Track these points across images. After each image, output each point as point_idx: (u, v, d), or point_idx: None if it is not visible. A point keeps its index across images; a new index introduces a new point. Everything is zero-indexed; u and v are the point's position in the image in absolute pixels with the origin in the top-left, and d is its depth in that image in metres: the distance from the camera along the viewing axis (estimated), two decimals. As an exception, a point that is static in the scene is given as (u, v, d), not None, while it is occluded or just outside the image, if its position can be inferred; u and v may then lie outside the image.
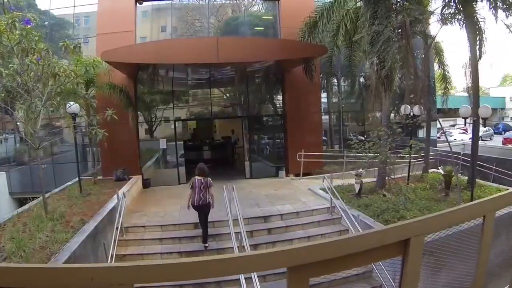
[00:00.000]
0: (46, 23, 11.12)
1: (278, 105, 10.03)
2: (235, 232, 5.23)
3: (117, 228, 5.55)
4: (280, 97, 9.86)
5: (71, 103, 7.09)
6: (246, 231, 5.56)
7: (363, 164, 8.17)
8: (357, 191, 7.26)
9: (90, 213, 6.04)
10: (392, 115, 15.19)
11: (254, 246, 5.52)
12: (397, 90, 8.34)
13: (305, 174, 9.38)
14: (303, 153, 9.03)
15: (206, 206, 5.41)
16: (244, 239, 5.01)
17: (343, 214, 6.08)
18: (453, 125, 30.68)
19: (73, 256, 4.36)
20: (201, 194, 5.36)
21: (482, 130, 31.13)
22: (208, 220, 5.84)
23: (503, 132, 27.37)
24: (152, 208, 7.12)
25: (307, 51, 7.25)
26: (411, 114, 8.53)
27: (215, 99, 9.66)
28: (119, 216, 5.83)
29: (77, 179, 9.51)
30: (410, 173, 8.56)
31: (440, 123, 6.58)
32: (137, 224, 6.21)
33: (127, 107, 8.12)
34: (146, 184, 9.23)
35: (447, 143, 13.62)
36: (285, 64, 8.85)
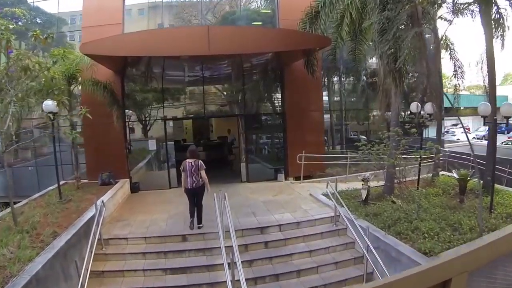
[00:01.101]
0: (39, 20, 10.65)
1: (277, 103, 9.34)
2: (226, 246, 4.56)
3: (95, 240, 4.89)
4: (279, 94, 9.16)
5: (50, 101, 6.41)
6: (241, 245, 4.90)
7: (372, 167, 7.50)
8: (363, 197, 6.59)
9: (66, 223, 5.37)
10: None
11: (249, 262, 4.86)
12: (404, 87, 7.66)
13: (305, 177, 8.72)
14: (303, 154, 8.35)
15: (200, 188, 5.40)
16: (236, 255, 4.34)
17: (349, 224, 5.42)
18: (455, 124, 30.01)
19: (34, 280, 3.70)
20: (193, 177, 5.33)
21: (485, 129, 30.59)
22: (198, 232, 5.20)
23: (505, 132, 26.72)
24: (137, 216, 6.46)
25: (308, 42, 6.56)
26: (420, 112, 7.89)
27: (209, 96, 8.97)
28: (98, 227, 5.17)
29: (62, 182, 8.93)
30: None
31: (460, 121, 5.86)
32: (118, 236, 5.54)
33: (111, 105, 7.43)
34: (134, 188, 8.55)
35: (461, 144, 12.84)
36: (284, 58, 8.16)
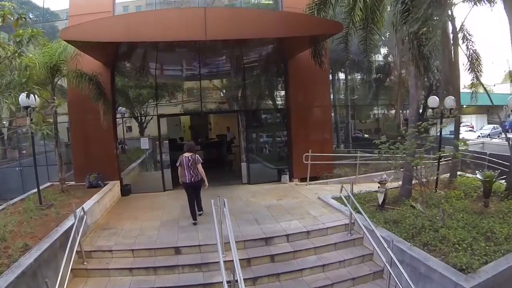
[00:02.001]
0: (31, 15, 10.06)
1: (280, 98, 8.60)
2: (226, 261, 3.84)
3: (72, 254, 4.17)
4: (282, 89, 8.40)
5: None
6: (243, 259, 4.20)
7: (383, 167, 6.80)
8: (380, 201, 5.89)
9: (42, 233, 4.65)
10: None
11: (252, 280, 4.15)
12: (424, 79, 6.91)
13: (312, 179, 8.01)
14: (310, 154, 7.64)
15: (198, 183, 5.41)
16: (237, 272, 3.63)
17: (367, 233, 4.70)
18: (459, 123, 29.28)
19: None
20: (191, 171, 5.34)
21: (490, 127, 29.86)
22: (193, 244, 4.50)
23: (509, 130, 26.14)
24: (126, 223, 5.74)
25: (317, 27, 5.83)
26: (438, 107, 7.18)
27: (206, 91, 8.24)
28: (77, 239, 4.45)
29: (48, 184, 8.20)
30: (426, 178, 7.18)
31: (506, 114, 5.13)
32: (102, 248, 4.82)
33: (97, 98, 6.69)
34: (125, 191, 7.82)
35: (470, 142, 12.11)
36: (289, 48, 7.43)
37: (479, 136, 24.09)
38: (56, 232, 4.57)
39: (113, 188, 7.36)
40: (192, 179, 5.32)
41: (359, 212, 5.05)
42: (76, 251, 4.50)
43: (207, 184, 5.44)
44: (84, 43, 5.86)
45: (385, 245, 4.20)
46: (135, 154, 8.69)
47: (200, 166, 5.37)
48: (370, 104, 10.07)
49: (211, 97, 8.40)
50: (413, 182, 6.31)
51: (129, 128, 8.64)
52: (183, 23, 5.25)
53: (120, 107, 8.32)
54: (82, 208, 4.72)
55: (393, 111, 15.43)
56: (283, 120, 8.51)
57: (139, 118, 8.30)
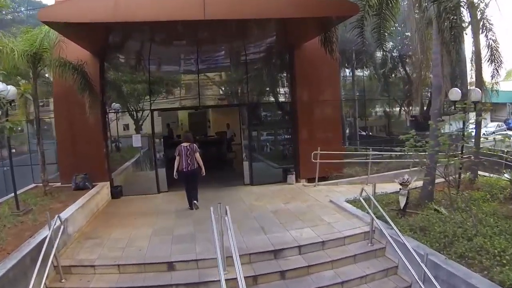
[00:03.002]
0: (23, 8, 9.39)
1: (285, 92, 7.89)
2: (228, 279, 3.17)
3: (45, 272, 3.49)
4: (288, 81, 7.68)
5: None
6: (248, 276, 3.54)
7: (411, 164, 6.12)
8: (402, 205, 5.22)
9: (12, 246, 3.96)
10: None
11: (261, 303, 3.48)
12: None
13: (320, 179, 7.34)
14: (319, 152, 6.96)
15: (195, 171, 5.62)
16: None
17: (392, 242, 4.02)
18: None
19: None
20: (188, 160, 5.56)
21: (494, 125, 29.41)
22: (189, 259, 3.82)
23: (514, 127, 25.62)
24: (113, 232, 5.05)
25: (330, 8, 5.13)
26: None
27: (204, 84, 7.51)
28: (52, 253, 3.76)
29: (32, 185, 7.50)
30: (453, 177, 6.54)
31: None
32: (83, 262, 4.13)
33: (82, 90, 5.97)
34: (116, 193, 7.12)
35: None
36: (295, 35, 6.73)
37: (484, 133, 23.60)
38: (28, 245, 3.88)
39: (101, 190, 6.65)
40: (189, 167, 5.57)
41: (379, 217, 4.39)
42: (54, 266, 3.84)
43: (204, 172, 5.69)
44: (67, 26, 5.13)
45: (417, 258, 3.54)
46: (129, 153, 7.98)
47: (197, 155, 5.65)
48: (379, 99, 9.37)
49: (210, 91, 7.68)
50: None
51: (127, 126, 7.93)
52: (179, 1, 4.55)
53: (114, 103, 7.61)
54: (59, 217, 4.01)
55: (396, 108, 14.68)
56: (288, 116, 7.81)
57: (132, 113, 7.57)
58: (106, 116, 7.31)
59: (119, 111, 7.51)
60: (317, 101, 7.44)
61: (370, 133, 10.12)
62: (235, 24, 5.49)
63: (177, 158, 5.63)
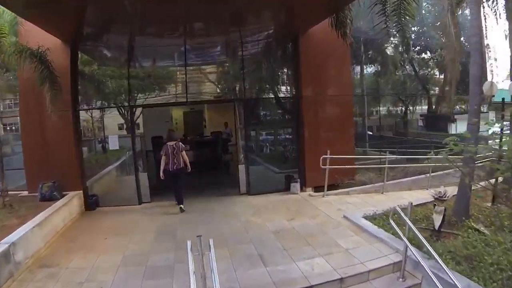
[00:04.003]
0: None
1: (288, 85, 6.81)
2: None
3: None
4: (292, 74, 6.59)
5: None
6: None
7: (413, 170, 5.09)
8: (437, 225, 4.18)
9: None
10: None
11: None
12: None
13: (329, 187, 6.30)
14: (329, 156, 5.90)
15: (181, 170, 5.55)
16: None
17: (433, 278, 2.97)
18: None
19: None
20: (175, 159, 5.48)
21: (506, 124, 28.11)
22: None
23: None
24: (74, 258, 4.01)
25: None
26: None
27: (193, 76, 6.43)
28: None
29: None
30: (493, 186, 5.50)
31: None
32: (24, 306, 3.10)
33: (41, 81, 4.93)
34: (90, 204, 6.08)
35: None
36: (301, 18, 5.65)
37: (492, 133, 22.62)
38: None
39: (71, 201, 5.62)
40: (175, 166, 5.50)
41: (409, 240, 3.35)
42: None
43: (189, 169, 5.63)
44: (27, 5, 4.08)
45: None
46: (116, 156, 6.94)
47: (184, 154, 5.55)
48: (393, 95, 8.30)
49: (200, 85, 6.59)
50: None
51: (122, 125, 6.89)
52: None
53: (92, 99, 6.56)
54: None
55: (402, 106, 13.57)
56: (291, 114, 6.73)
57: (105, 109, 6.51)
58: (78, 113, 6.23)
59: (93, 108, 6.46)
60: (325, 96, 6.38)
61: (381, 134, 9.07)
62: (230, 5, 4.47)
63: (163, 157, 5.51)
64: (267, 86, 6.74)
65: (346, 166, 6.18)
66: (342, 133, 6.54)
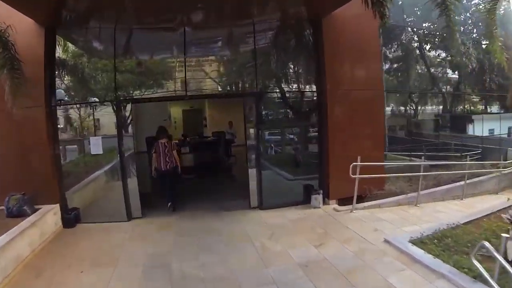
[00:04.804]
0: None
1: (308, 78, 5.70)
2: None
3: None
4: (313, 64, 5.50)
5: None
6: None
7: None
8: (510, 256, 3.15)
9: None
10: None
11: None
12: None
13: (351, 198, 5.27)
14: (359, 163, 4.87)
15: (174, 170, 5.29)
16: None
17: None
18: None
19: None
20: (167, 158, 5.23)
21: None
22: None
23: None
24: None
25: None
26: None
27: (195, 66, 5.32)
28: None
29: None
30: None
31: None
32: None
33: (1, 67, 3.85)
34: (69, 220, 5.00)
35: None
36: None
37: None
38: None
39: (44, 217, 4.54)
40: (168, 165, 5.23)
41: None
42: None
43: (180, 171, 5.39)
44: None
45: None
46: (106, 159, 5.83)
47: (175, 153, 5.32)
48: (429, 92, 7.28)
49: (203, 77, 5.47)
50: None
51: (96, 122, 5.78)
52: None
53: (64, 92, 5.47)
54: None
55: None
56: (313, 111, 5.62)
57: (91, 106, 5.43)
58: (55, 110, 5.15)
59: (72, 103, 5.38)
60: (352, 91, 5.32)
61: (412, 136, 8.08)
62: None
63: (154, 156, 5.25)
64: (283, 78, 5.65)
65: (379, 175, 5.15)
66: (371, 135, 5.50)
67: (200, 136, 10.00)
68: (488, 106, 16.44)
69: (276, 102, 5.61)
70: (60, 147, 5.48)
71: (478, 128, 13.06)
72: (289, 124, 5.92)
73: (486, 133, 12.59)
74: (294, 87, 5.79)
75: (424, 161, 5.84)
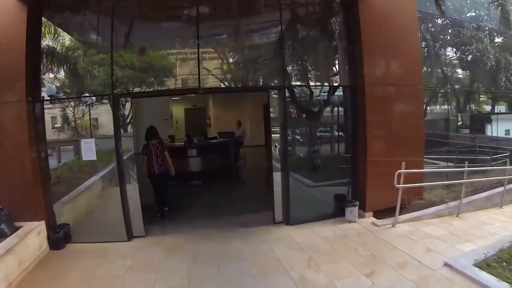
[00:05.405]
0: None
1: (340, 70, 4.91)
2: None
3: None
4: (345, 53, 4.75)
5: None
6: None
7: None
8: None
9: None
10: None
11: None
12: None
13: (391, 209, 4.55)
14: (404, 170, 4.13)
15: (167, 173, 4.95)
16: None
17: None
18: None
19: None
20: (159, 160, 4.84)
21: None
22: None
23: None
24: None
25: None
26: None
27: (210, 55, 4.51)
28: None
29: None
30: None
31: None
32: None
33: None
34: (57, 240, 4.12)
35: None
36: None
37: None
38: None
39: (24, 240, 3.68)
40: (161, 168, 4.83)
41: None
42: None
43: (173, 173, 4.96)
44: None
45: None
46: (104, 163, 4.95)
47: (167, 154, 4.92)
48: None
49: (218, 67, 4.65)
50: None
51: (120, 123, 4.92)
52: None
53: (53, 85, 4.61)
54: None
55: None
56: (347, 108, 4.84)
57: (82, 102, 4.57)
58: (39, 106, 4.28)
59: (60, 98, 4.52)
60: (393, 86, 4.58)
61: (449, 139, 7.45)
62: None
63: (146, 159, 4.83)
64: (313, 70, 4.86)
65: (424, 184, 4.44)
66: (411, 137, 4.76)
67: (204, 137, 9.20)
68: (496, 106, 15.96)
69: (302, 98, 4.80)
70: (54, 148, 4.74)
71: (494, 129, 12.50)
72: (316, 122, 5.12)
73: (502, 134, 12.09)
74: (323, 81, 4.99)
75: (467, 167, 5.14)
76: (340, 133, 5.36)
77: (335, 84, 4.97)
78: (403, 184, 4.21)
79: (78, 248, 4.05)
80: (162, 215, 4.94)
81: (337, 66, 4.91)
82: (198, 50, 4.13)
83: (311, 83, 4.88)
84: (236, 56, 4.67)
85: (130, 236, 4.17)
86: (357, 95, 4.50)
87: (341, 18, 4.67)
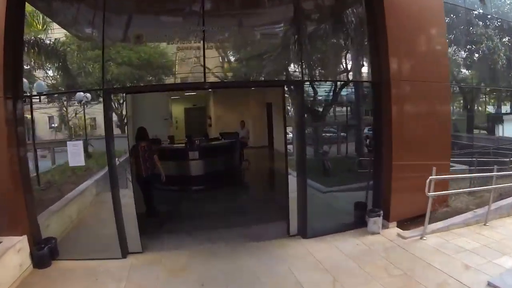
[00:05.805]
0: None
1: (363, 65, 4.39)
2: None
3: None
4: (368, 46, 4.26)
5: None
6: None
7: None
8: None
9: None
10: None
11: None
12: None
13: (414, 218, 4.11)
14: (435, 176, 3.69)
15: (156, 176, 4.69)
16: None
17: None
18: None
19: None
20: (147, 163, 4.58)
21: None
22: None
23: None
24: None
25: None
26: None
27: (215, 44, 3.98)
28: None
29: None
30: None
31: None
32: None
33: None
34: (42, 257, 3.59)
35: None
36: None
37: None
38: None
39: (2, 259, 3.16)
40: (149, 171, 4.58)
41: None
42: None
43: (164, 177, 4.64)
44: None
45: None
46: (99, 165, 4.40)
47: (156, 157, 4.64)
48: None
49: (224, 60, 4.14)
50: None
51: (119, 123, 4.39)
52: None
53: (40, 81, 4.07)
54: None
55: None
56: (370, 108, 4.37)
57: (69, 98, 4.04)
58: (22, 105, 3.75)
59: (42, 94, 3.98)
60: (417, 83, 4.14)
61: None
62: None
63: (133, 161, 4.41)
64: (334, 64, 4.37)
65: (455, 191, 4.01)
66: (438, 138, 4.33)
67: (206, 138, 8.68)
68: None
69: (319, 94, 4.31)
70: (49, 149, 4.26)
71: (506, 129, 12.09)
72: (337, 122, 4.64)
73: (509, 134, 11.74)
74: (343, 75, 4.50)
75: (496, 171, 4.72)
76: (356, 134, 4.89)
77: (357, 80, 4.48)
78: (438, 193, 3.77)
79: (66, 267, 3.53)
80: (154, 213, 4.69)
81: (357, 61, 4.43)
82: (203, 41, 3.62)
83: (330, 79, 4.39)
84: (248, 48, 4.15)
85: (124, 253, 3.64)
86: (381, 92, 4.04)
87: (364, 8, 4.19)
